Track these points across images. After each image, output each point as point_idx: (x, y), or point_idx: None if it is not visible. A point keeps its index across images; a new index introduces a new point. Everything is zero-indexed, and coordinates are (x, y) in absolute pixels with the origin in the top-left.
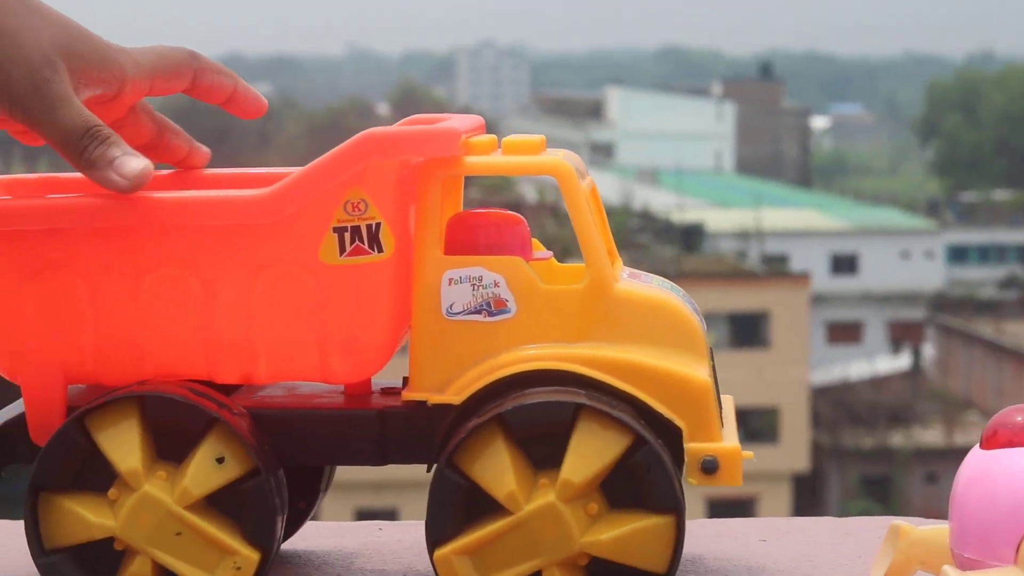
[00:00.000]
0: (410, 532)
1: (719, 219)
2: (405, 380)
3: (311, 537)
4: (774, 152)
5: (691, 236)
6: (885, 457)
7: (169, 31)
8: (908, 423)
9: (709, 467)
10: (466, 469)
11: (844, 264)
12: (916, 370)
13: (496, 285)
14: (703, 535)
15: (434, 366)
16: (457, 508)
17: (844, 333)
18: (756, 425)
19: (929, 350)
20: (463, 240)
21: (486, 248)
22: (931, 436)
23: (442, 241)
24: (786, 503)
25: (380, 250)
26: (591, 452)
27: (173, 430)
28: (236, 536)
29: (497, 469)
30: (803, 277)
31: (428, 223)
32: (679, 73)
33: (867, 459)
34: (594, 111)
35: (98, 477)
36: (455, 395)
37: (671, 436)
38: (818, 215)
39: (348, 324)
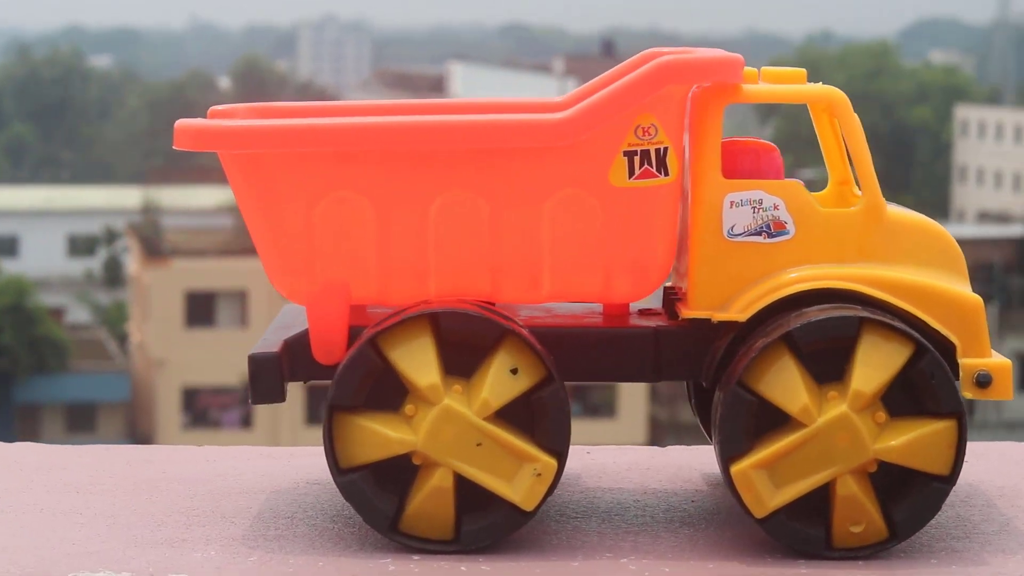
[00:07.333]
0: (620, 455)
1: None
2: (668, 302)
3: None
4: None
5: None
6: None
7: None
8: None
9: (983, 381)
10: (756, 387)
11: None
12: None
13: (776, 208)
14: None
15: (714, 285)
16: (749, 424)
17: None
18: (595, 400)
19: None
20: (724, 166)
21: (744, 174)
22: None
23: (720, 166)
24: None
25: (666, 173)
26: (878, 362)
27: (462, 345)
28: (532, 444)
29: (788, 385)
30: None
31: (710, 148)
32: (522, 50)
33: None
34: (436, 86)
35: (391, 395)
36: (739, 312)
37: (941, 353)
38: None
39: (634, 245)
